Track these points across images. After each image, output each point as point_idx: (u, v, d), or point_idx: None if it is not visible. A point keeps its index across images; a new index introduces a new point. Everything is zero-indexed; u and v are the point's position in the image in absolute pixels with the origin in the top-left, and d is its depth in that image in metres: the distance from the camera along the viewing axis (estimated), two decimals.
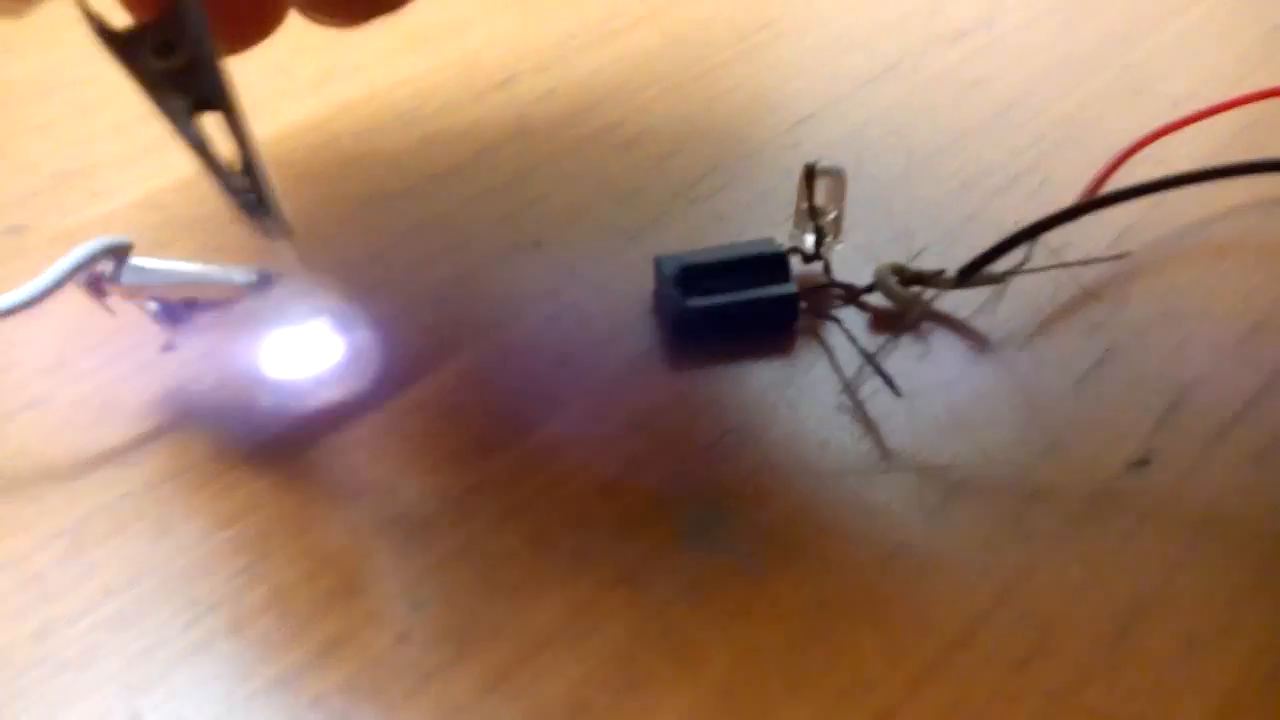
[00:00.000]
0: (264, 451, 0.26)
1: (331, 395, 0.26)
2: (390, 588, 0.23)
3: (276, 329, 0.26)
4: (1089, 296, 0.29)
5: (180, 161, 0.34)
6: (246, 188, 0.24)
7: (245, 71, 0.24)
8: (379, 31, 0.41)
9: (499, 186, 0.34)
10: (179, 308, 0.27)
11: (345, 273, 0.30)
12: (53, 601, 0.23)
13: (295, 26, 0.26)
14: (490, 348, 0.28)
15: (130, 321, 0.28)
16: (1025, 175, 0.34)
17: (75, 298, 0.27)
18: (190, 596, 0.23)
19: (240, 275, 0.26)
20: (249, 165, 0.24)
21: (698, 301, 0.28)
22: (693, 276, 0.28)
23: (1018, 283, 0.29)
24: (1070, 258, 0.29)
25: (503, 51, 0.40)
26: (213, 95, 0.23)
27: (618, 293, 0.30)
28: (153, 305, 0.27)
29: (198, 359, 0.28)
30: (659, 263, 0.29)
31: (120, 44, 0.23)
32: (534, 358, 0.28)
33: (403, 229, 0.32)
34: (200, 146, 0.24)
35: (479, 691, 0.21)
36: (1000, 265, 0.28)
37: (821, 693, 0.21)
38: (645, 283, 0.30)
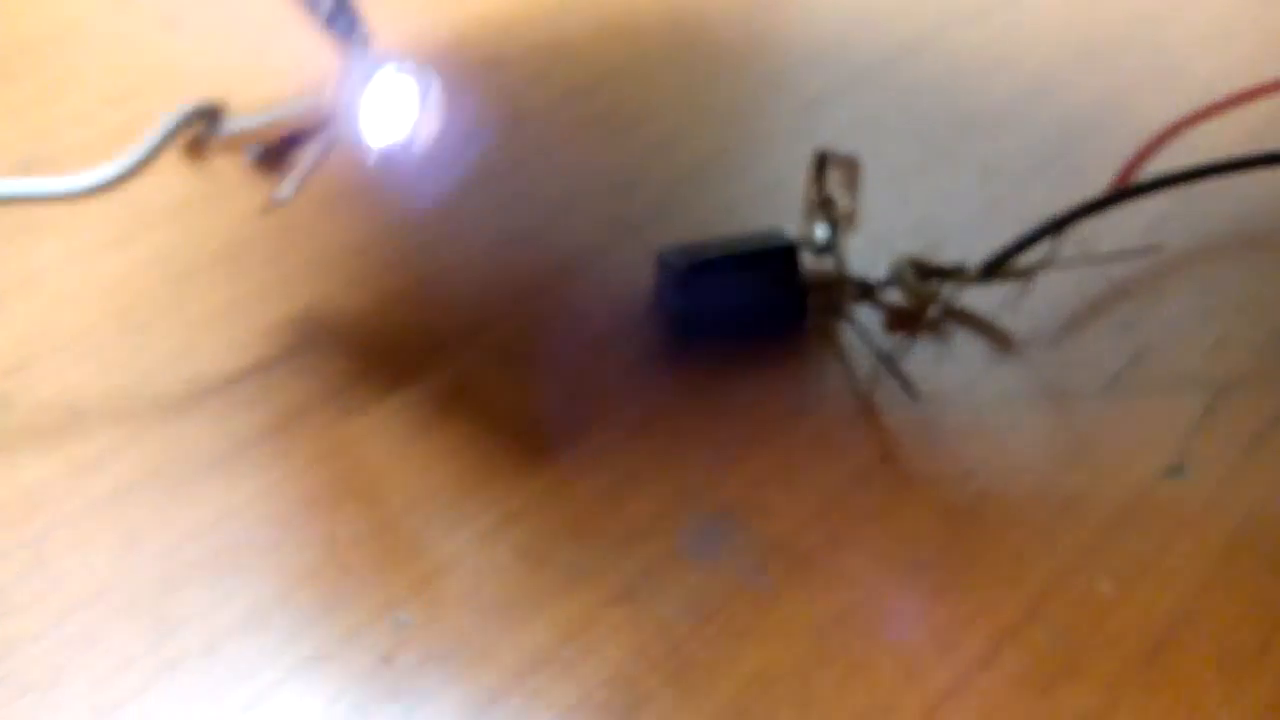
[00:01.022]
0: (238, 458, 0.25)
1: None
2: (372, 605, 0.23)
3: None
4: (1119, 293, 0.29)
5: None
6: (332, 11, 0.26)
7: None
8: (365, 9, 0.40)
9: (493, 174, 0.34)
10: (279, 151, 0.27)
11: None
12: (14, 617, 0.23)
13: None
14: (478, 349, 0.28)
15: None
16: (1051, 163, 0.33)
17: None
18: (160, 613, 0.23)
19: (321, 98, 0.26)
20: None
21: (701, 298, 0.28)
22: (696, 272, 0.28)
23: (1044, 278, 0.28)
24: (1099, 251, 0.29)
25: (495, 29, 0.40)
26: None
27: (617, 289, 0.30)
28: (253, 153, 0.27)
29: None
30: (660, 257, 0.29)
31: None
32: (525, 359, 0.28)
33: (401, 227, 0.32)
34: None
35: (468, 715, 0.21)
36: (1025, 259, 0.28)
37: (835, 716, 0.21)
38: (646, 278, 0.30)
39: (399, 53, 0.25)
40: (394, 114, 0.26)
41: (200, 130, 0.27)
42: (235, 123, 0.27)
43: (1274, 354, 0.28)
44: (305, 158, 0.27)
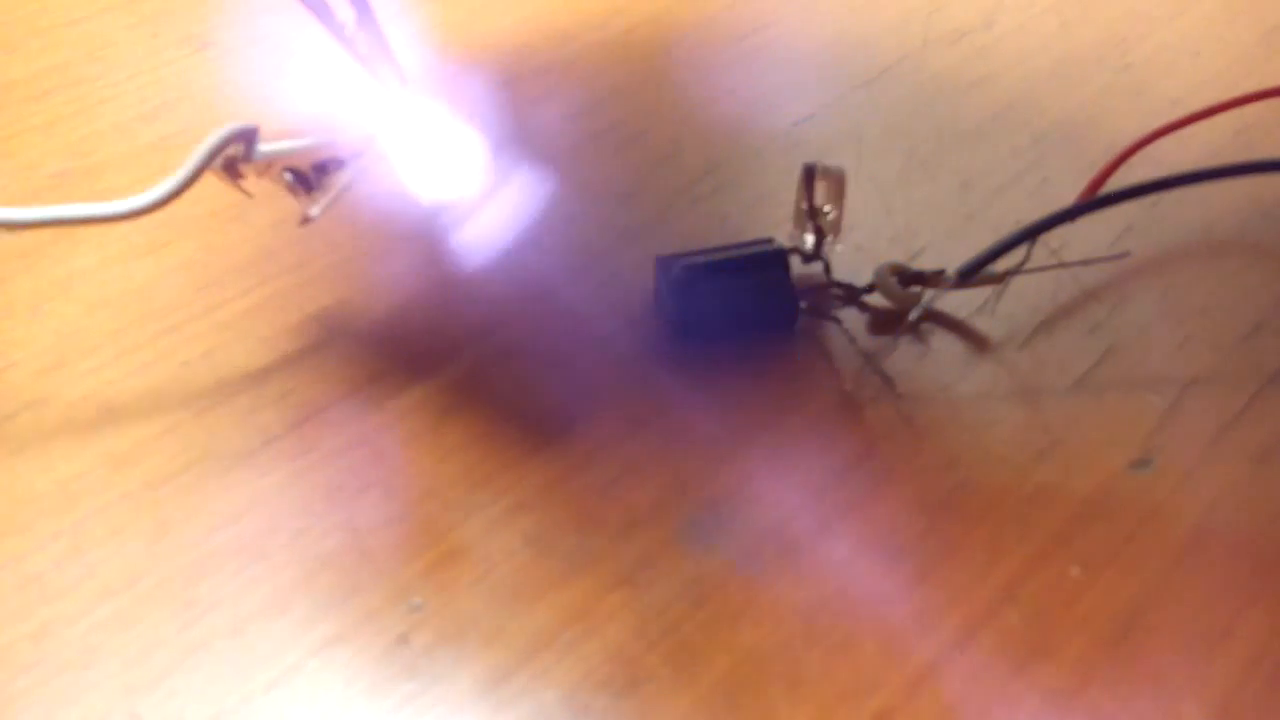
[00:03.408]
0: (264, 451, 0.25)
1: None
2: (390, 589, 0.23)
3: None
4: (1089, 296, 0.29)
5: (179, 161, 0.34)
6: (362, 45, 0.26)
7: None
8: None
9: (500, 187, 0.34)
10: (311, 177, 0.27)
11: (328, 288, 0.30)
12: (51, 602, 0.23)
13: None
14: (489, 349, 0.28)
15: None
16: (1025, 175, 0.33)
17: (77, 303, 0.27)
18: (189, 597, 0.23)
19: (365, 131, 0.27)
20: (365, 20, 0.25)
21: (697, 301, 0.28)
22: (693, 277, 0.28)
23: (1017, 283, 0.28)
24: (1070, 258, 0.29)
25: (502, 52, 0.40)
26: None
27: (618, 293, 0.30)
28: (288, 176, 0.27)
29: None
30: (659, 263, 0.29)
31: None
32: (533, 358, 0.28)
33: (416, 235, 0.32)
34: (317, 4, 0.25)
35: (478, 693, 0.21)
36: (1000, 265, 0.28)
37: (821, 694, 0.21)
38: (645, 283, 0.30)
39: (447, 99, 0.26)
40: (445, 161, 0.26)
41: (237, 152, 0.27)
42: (270, 146, 0.27)
43: (1236, 354, 0.28)
44: (336, 183, 0.27)
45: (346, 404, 0.27)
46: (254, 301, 0.29)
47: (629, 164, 0.34)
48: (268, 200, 0.33)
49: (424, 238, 0.31)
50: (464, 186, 0.26)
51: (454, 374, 0.27)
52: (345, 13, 0.26)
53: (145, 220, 0.27)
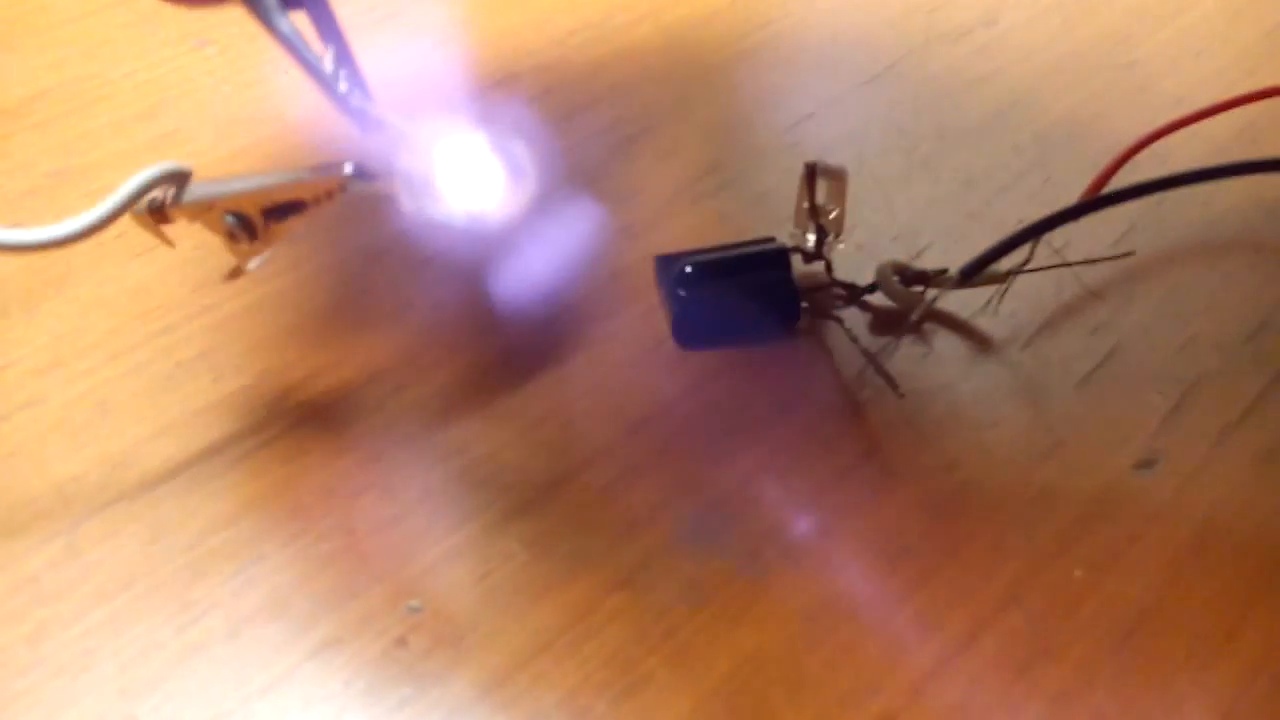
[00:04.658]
0: (260, 452, 0.25)
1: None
2: (387, 591, 0.23)
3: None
4: (1092, 296, 0.29)
5: (176, 159, 0.34)
6: (338, 80, 0.24)
7: None
8: (380, 28, 0.40)
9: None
10: (257, 223, 0.25)
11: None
12: (48, 604, 0.23)
13: None
14: (488, 349, 0.28)
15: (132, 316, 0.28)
16: (1028, 174, 0.33)
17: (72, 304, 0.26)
18: (185, 600, 0.23)
19: (339, 167, 0.24)
20: (340, 58, 0.24)
21: (698, 301, 0.28)
22: (693, 276, 0.28)
23: (1020, 282, 0.28)
24: (1073, 257, 0.29)
25: (502, 49, 0.40)
26: None
27: (618, 293, 0.30)
28: (230, 219, 0.25)
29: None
30: (659, 262, 0.29)
31: None
32: (532, 358, 0.28)
33: (399, 230, 0.32)
34: (291, 41, 0.24)
35: (477, 695, 0.21)
36: (1003, 264, 0.28)
37: (823, 696, 0.21)
38: (646, 282, 0.30)
39: (467, 123, 0.24)
40: (469, 184, 0.24)
41: (165, 195, 0.25)
42: (201, 189, 0.25)
43: (1239, 353, 0.28)
44: (286, 231, 0.25)
45: (344, 405, 0.27)
46: (249, 302, 0.29)
47: (629, 162, 0.34)
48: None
49: (420, 239, 0.31)
50: (493, 207, 0.24)
51: (451, 374, 0.27)
52: (319, 45, 0.24)
53: (178, 218, 0.26)
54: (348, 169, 0.24)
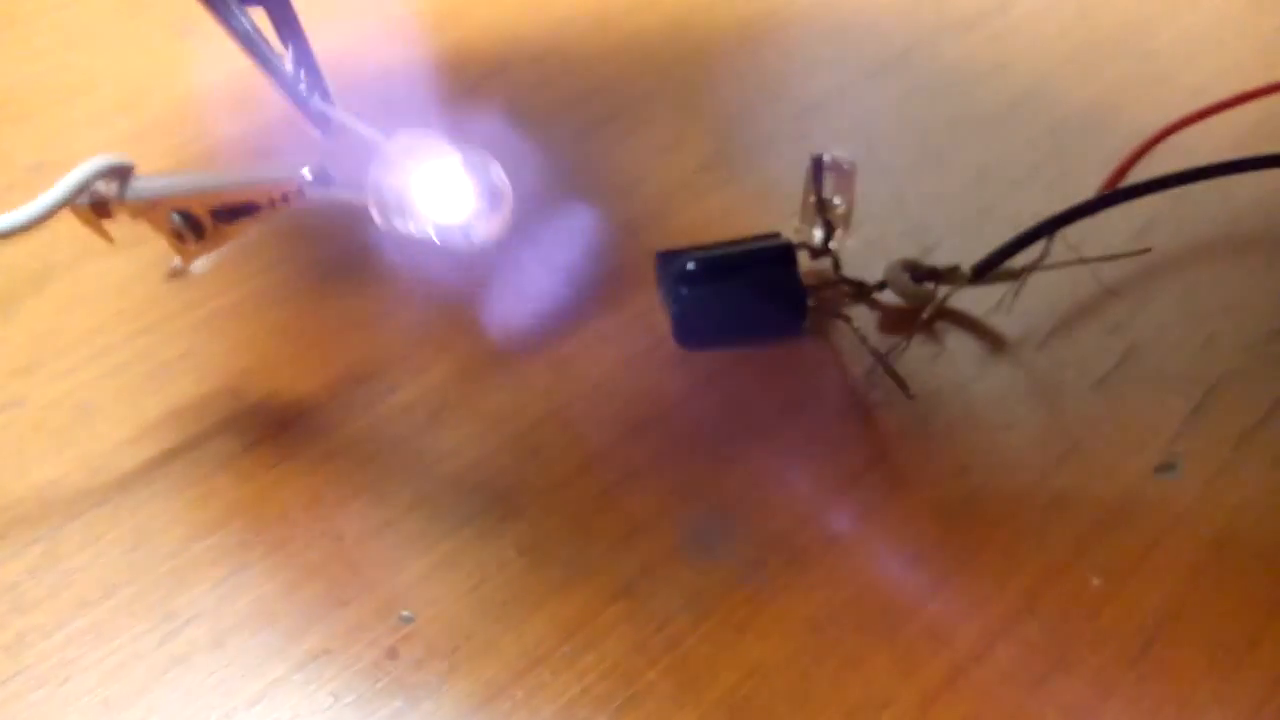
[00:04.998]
0: (245, 456, 0.25)
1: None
2: (377, 600, 0.23)
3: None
4: (1109, 294, 0.29)
5: (157, 152, 0.34)
6: (297, 76, 0.24)
7: None
8: (366, 17, 0.40)
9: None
10: (205, 223, 0.24)
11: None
12: (27, 613, 0.23)
13: None
14: (482, 349, 0.28)
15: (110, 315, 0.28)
16: (1043, 167, 0.33)
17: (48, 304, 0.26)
18: (169, 609, 0.23)
19: (292, 170, 0.23)
20: (300, 57, 0.24)
21: (700, 299, 0.28)
22: (695, 273, 0.28)
23: (1035, 279, 0.28)
24: (1090, 253, 0.29)
25: (496, 38, 0.40)
26: None
27: (617, 291, 0.29)
28: (176, 218, 0.24)
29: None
30: (660, 259, 0.29)
31: None
32: (527, 359, 0.28)
33: (384, 229, 0.32)
34: (249, 38, 0.23)
35: (471, 709, 0.21)
36: (1017, 261, 0.28)
37: (831, 710, 0.21)
38: (646, 279, 0.30)
39: (441, 133, 0.23)
40: (442, 205, 0.23)
41: (109, 190, 0.25)
42: (147, 185, 0.24)
43: (1261, 353, 0.28)
44: (237, 233, 0.24)
45: (331, 407, 0.26)
46: (233, 300, 0.29)
47: (629, 154, 0.34)
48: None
49: (412, 237, 0.31)
50: (468, 230, 0.23)
51: (444, 375, 0.27)
52: (279, 46, 0.24)
53: (120, 214, 0.26)
54: (304, 173, 0.23)
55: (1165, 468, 0.25)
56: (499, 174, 0.21)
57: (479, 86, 0.37)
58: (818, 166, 0.29)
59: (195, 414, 0.26)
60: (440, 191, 0.21)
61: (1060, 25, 0.40)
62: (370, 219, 0.23)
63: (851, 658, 0.22)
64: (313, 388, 0.27)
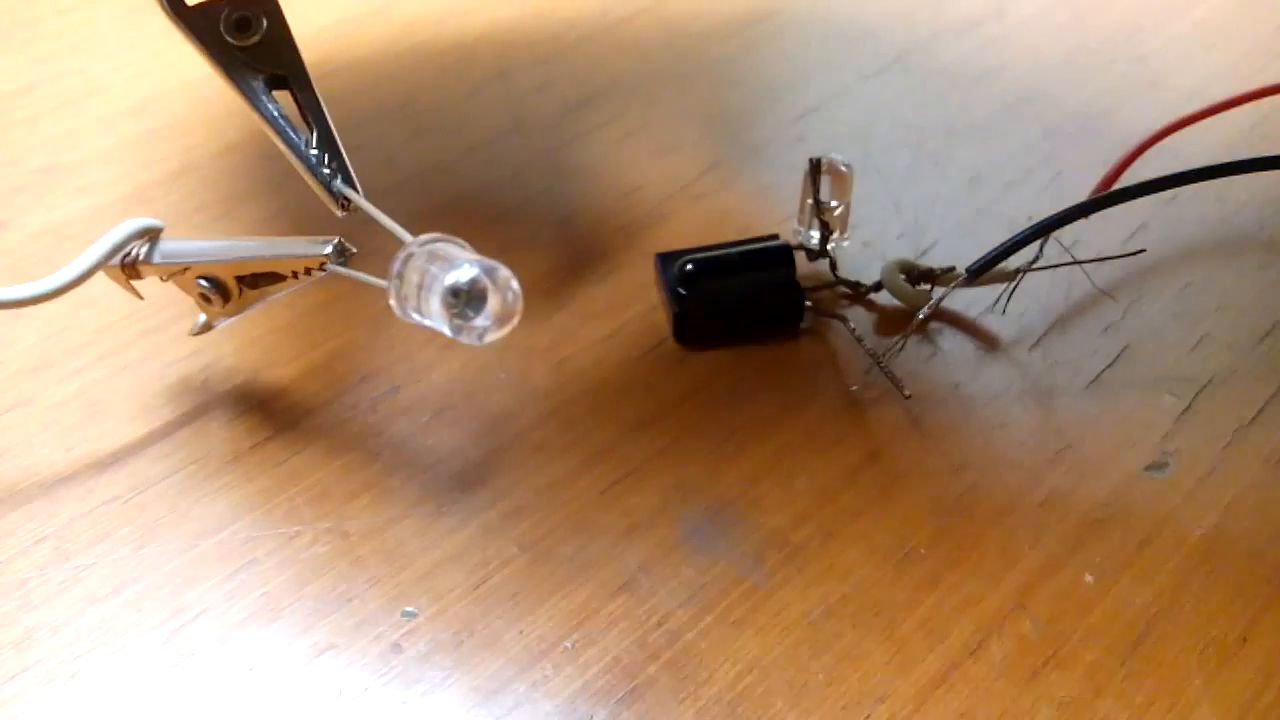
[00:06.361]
0: (252, 454, 0.25)
1: None
2: (383, 596, 0.23)
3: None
4: (1103, 295, 0.29)
5: (167, 155, 0.34)
6: (321, 160, 0.24)
7: None
8: (371, 21, 0.40)
9: (494, 183, 0.34)
10: (231, 288, 0.25)
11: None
12: (36, 609, 0.23)
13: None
14: (484, 348, 0.28)
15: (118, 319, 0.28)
16: (1037, 170, 0.33)
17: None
18: (177, 605, 0.23)
19: (314, 246, 0.24)
20: (324, 138, 0.24)
21: (700, 300, 0.28)
22: (695, 275, 0.28)
23: (1029, 281, 0.28)
24: (1083, 255, 0.29)
25: (499, 43, 0.40)
26: (288, 72, 0.24)
27: (618, 292, 0.30)
28: (203, 283, 0.25)
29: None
30: (660, 260, 0.29)
31: (194, 20, 0.24)
32: (530, 358, 0.28)
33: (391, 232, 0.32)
34: (277, 122, 0.24)
35: (474, 703, 0.21)
36: (1012, 262, 0.28)
37: (828, 704, 0.21)
38: (646, 280, 0.30)
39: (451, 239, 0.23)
40: (466, 306, 0.22)
41: (138, 250, 0.26)
42: (177, 249, 0.25)
43: (1253, 353, 0.28)
44: (261, 297, 0.25)
45: (338, 405, 0.27)
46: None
47: (629, 158, 0.34)
48: (253, 198, 0.33)
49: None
50: (479, 329, 0.22)
51: (448, 374, 0.27)
52: (304, 129, 0.25)
53: (135, 214, 0.26)
54: (327, 249, 0.24)
55: (1157, 466, 0.25)
56: (515, 286, 0.22)
57: (480, 90, 0.37)
58: (815, 169, 0.29)
59: (203, 413, 0.26)
60: (459, 300, 0.22)
61: (1054, 31, 0.40)
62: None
63: (848, 652, 0.22)
64: (319, 387, 0.27)
